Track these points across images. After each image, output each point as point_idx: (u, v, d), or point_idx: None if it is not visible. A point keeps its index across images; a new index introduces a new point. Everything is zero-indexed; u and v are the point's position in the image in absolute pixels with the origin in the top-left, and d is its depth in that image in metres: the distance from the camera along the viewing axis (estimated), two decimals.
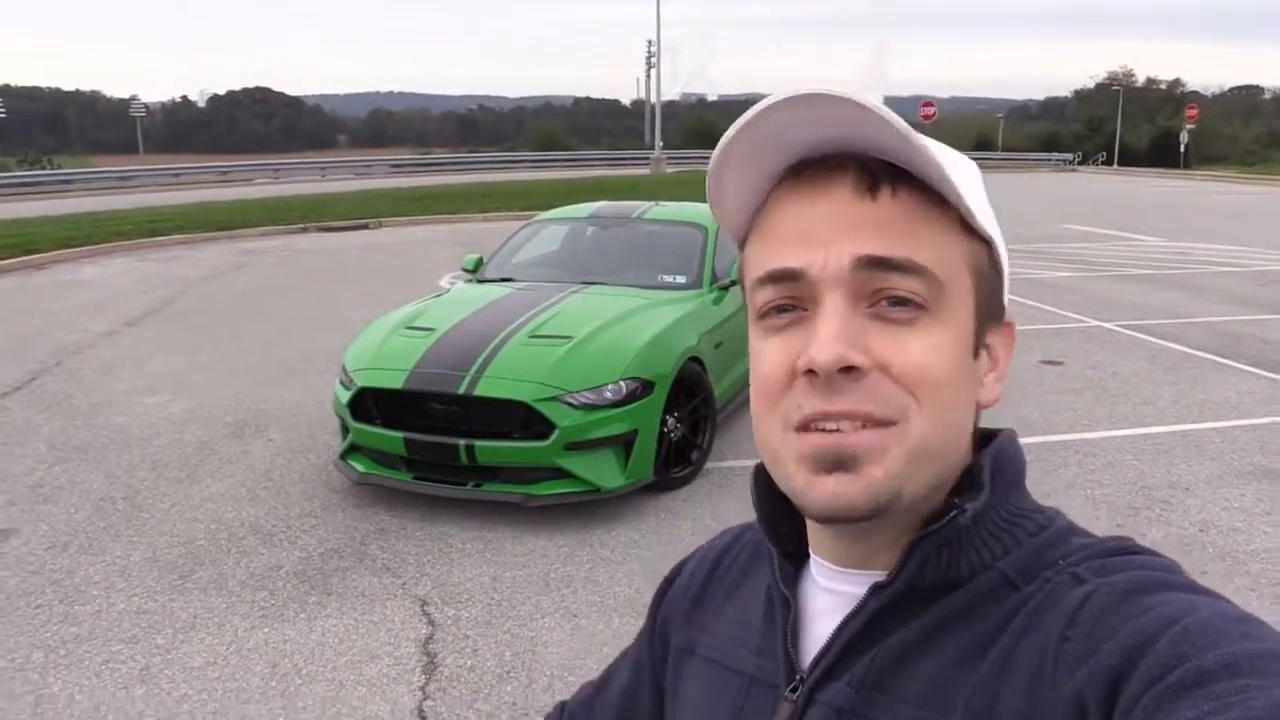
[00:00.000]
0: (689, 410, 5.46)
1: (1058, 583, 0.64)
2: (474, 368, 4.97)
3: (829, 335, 0.63)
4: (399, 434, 5.04)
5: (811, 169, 0.68)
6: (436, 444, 4.96)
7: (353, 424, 5.22)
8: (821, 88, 0.63)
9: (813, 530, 0.76)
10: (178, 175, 36.74)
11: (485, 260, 7.05)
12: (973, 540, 0.67)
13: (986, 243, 0.70)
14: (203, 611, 4.23)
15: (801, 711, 0.71)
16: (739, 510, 5.12)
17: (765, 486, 0.76)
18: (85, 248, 17.03)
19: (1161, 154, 55.94)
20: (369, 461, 5.30)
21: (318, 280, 13.61)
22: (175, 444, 6.46)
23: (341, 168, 42.94)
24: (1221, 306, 11.23)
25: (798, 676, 0.72)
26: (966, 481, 0.69)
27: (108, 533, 5.07)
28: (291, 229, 20.08)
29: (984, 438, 0.73)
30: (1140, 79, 78.79)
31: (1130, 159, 57.22)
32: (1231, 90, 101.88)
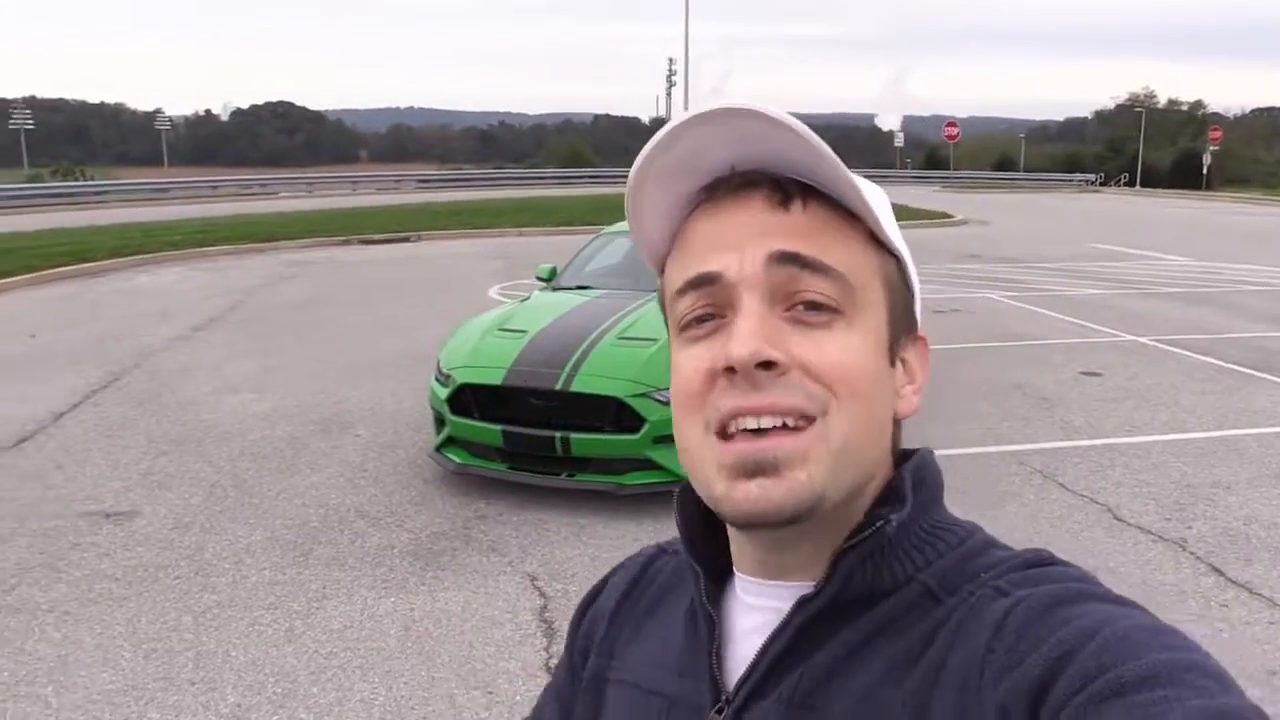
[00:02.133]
0: None
1: (981, 595, 0.65)
2: (569, 366, 5.38)
3: (747, 332, 0.64)
4: (497, 427, 5.45)
5: (724, 186, 0.70)
6: (533, 436, 5.37)
7: (451, 418, 5.63)
8: (728, 103, 0.65)
9: (735, 543, 0.76)
10: (215, 188, 37.43)
11: (560, 270, 7.48)
12: (895, 552, 0.69)
13: (896, 259, 0.72)
14: (330, 584, 4.63)
15: None
16: None
17: (688, 504, 0.77)
18: (137, 257, 17.58)
19: (1184, 176, 56.16)
20: (465, 453, 5.70)
21: (368, 290, 14.07)
22: (268, 439, 6.88)
23: (370, 182, 43.60)
24: (1252, 323, 11.55)
25: (724, 697, 0.72)
26: (889, 494, 0.71)
27: (225, 515, 5.49)
28: (333, 241, 20.60)
29: (903, 456, 0.74)
30: (1161, 100, 78.98)
31: (1152, 180, 57.46)
32: (1254, 112, 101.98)
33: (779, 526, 0.66)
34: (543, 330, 5.85)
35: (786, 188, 0.68)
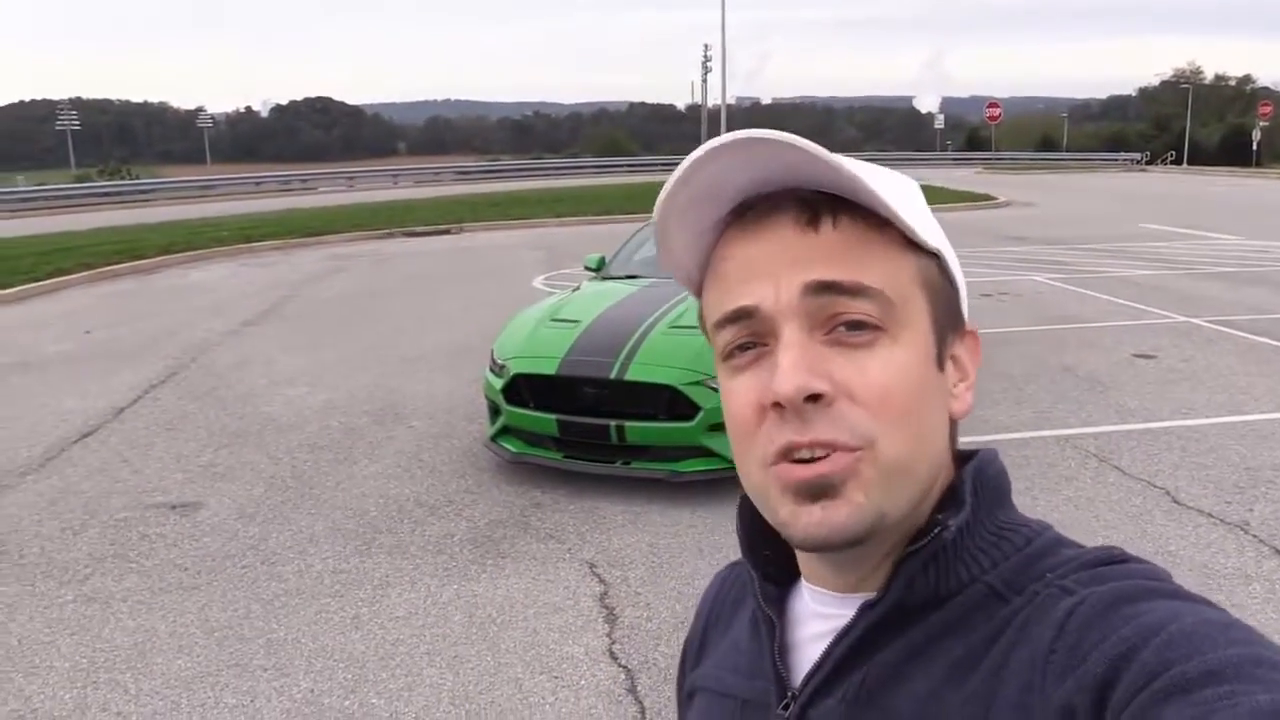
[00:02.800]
0: None
1: (1046, 594, 0.64)
2: (623, 355, 5.43)
3: (789, 365, 0.64)
4: (552, 416, 5.51)
5: (753, 210, 0.69)
6: (588, 425, 5.43)
7: (506, 408, 5.70)
8: (746, 134, 0.65)
9: (803, 558, 0.77)
10: (258, 184, 37.91)
11: (608, 260, 7.52)
12: (959, 555, 0.69)
13: (935, 256, 0.71)
14: (393, 572, 4.72)
15: None
16: None
17: (748, 512, 0.78)
18: (187, 253, 17.89)
19: (1233, 152, 55.04)
20: (520, 442, 5.77)
21: (414, 283, 14.21)
22: (325, 430, 7.00)
23: (410, 175, 43.93)
24: None
25: (789, 694, 0.73)
26: (949, 498, 0.71)
27: (286, 505, 5.60)
28: (377, 234, 20.82)
29: (964, 457, 0.74)
30: (1209, 76, 77.40)
31: (1200, 158, 56.37)
32: None
33: (843, 549, 0.67)
34: (595, 320, 5.90)
35: (814, 206, 0.67)
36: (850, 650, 0.70)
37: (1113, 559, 0.66)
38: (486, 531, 5.14)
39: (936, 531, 0.68)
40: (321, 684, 3.74)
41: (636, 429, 5.33)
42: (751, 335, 0.68)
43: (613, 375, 5.37)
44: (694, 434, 5.26)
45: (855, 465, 0.65)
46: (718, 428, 5.27)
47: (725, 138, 0.66)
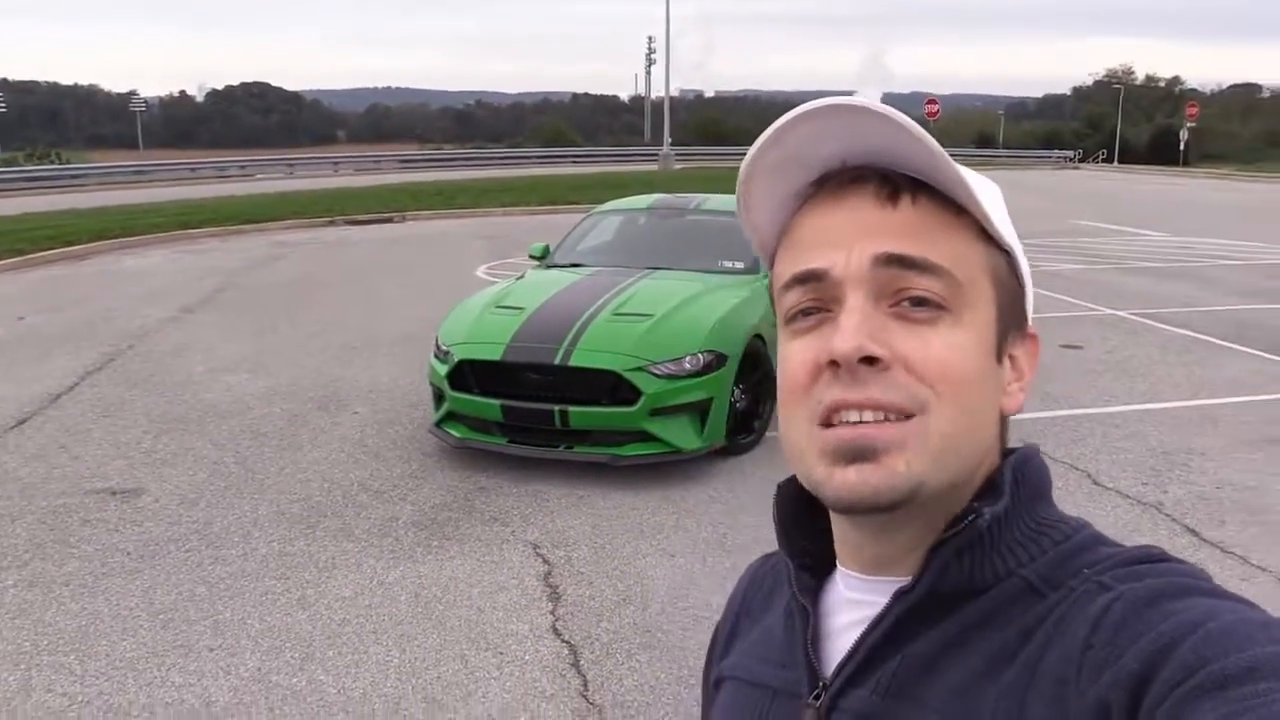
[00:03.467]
0: (753, 383, 6.01)
1: (1083, 590, 0.64)
2: (566, 341, 5.53)
3: (851, 327, 0.65)
4: (496, 402, 5.59)
5: (834, 181, 0.70)
6: (532, 410, 5.52)
7: (450, 393, 5.76)
8: (845, 100, 0.66)
9: (838, 534, 0.76)
10: (194, 170, 37.23)
11: (552, 249, 7.60)
12: (997, 547, 0.68)
13: (1006, 254, 0.72)
14: (338, 554, 4.77)
15: (825, 719, 0.72)
16: None
17: (787, 500, 0.78)
18: (120, 240, 17.54)
19: (1161, 151, 56.54)
20: (464, 428, 5.84)
21: (356, 271, 14.13)
22: (267, 417, 6.99)
23: (351, 163, 43.41)
24: (1226, 296, 11.79)
25: (821, 684, 0.73)
26: (987, 487, 0.70)
27: (230, 491, 5.61)
28: (318, 222, 20.60)
29: (1008, 453, 0.74)
30: (1140, 77, 79.43)
31: (1130, 156, 57.84)
32: (1230, 88, 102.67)
33: (877, 512, 0.67)
34: (539, 307, 5.99)
35: (896, 182, 0.69)
36: (883, 638, 0.70)
37: (1151, 557, 0.66)
38: (431, 515, 5.21)
39: (971, 519, 0.67)
40: (269, 662, 3.80)
41: (580, 414, 5.43)
42: (816, 300, 0.69)
43: (557, 361, 5.46)
44: (636, 419, 5.38)
45: (901, 435, 0.66)
46: (660, 412, 5.40)
47: (822, 102, 0.67)
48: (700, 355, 5.53)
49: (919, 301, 0.67)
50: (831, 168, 0.71)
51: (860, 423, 0.66)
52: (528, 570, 4.56)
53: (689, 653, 3.82)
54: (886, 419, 0.66)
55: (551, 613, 4.16)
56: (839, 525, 0.76)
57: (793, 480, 0.76)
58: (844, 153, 0.69)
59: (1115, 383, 7.68)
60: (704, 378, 5.51)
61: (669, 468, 5.64)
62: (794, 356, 0.70)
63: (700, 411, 5.54)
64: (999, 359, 0.71)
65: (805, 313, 0.70)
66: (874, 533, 0.72)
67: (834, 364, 0.66)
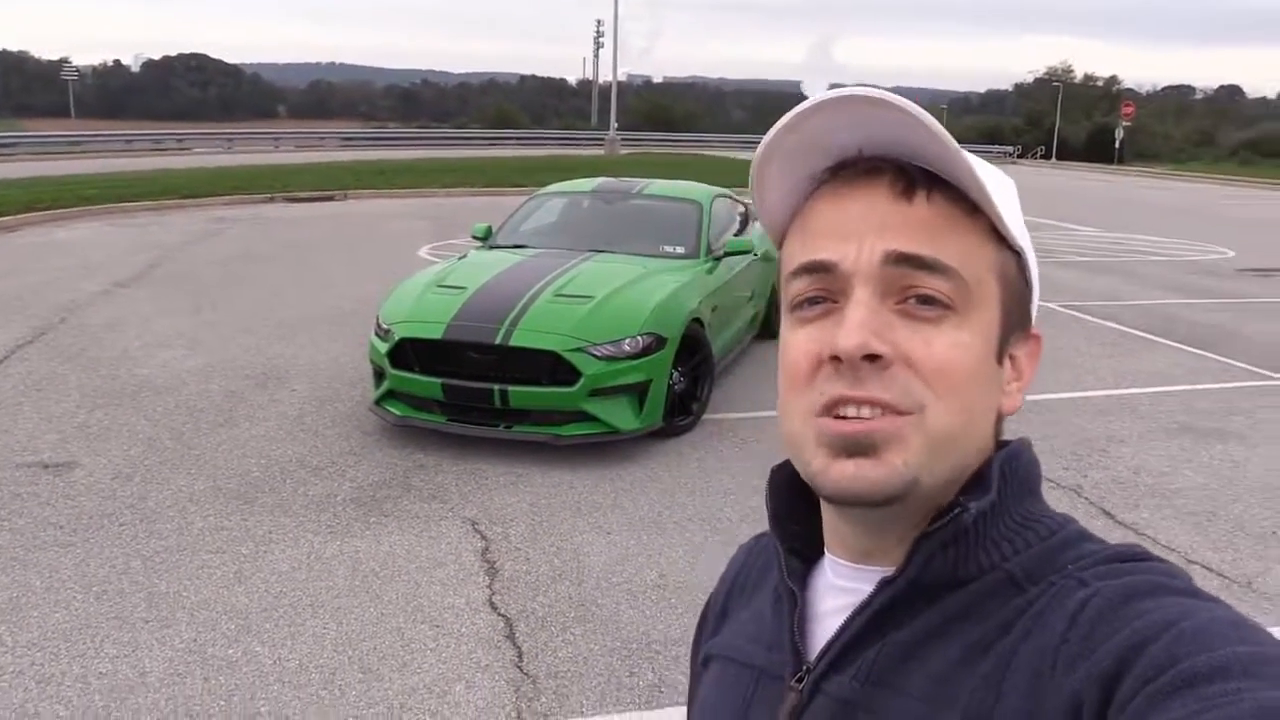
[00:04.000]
0: (691, 366, 6.11)
1: (1062, 586, 0.65)
2: (507, 321, 5.58)
3: (855, 323, 0.66)
4: (437, 380, 5.62)
5: (850, 170, 0.71)
6: (473, 389, 5.56)
7: (391, 371, 5.78)
8: (865, 91, 0.66)
9: (828, 523, 0.77)
10: (130, 142, 36.36)
11: (495, 230, 7.63)
12: (981, 541, 0.69)
13: (1017, 254, 0.72)
14: (275, 529, 4.78)
15: (806, 702, 0.73)
16: (736, 455, 5.81)
17: (780, 484, 0.79)
18: (51, 211, 17.11)
19: (1098, 149, 57.84)
20: (404, 406, 5.87)
21: (297, 249, 13.97)
22: (204, 393, 6.93)
23: (292, 139, 42.72)
24: (1154, 291, 12.19)
25: (804, 667, 0.74)
26: (974, 481, 0.71)
27: (166, 466, 5.57)
28: (258, 199, 20.28)
29: (999, 447, 0.74)
30: (1078, 75, 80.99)
31: (1067, 153, 59.09)
32: (1164, 89, 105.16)
33: (872, 507, 0.68)
34: (481, 287, 6.02)
35: (912, 176, 0.69)
36: (866, 626, 0.71)
37: (1134, 556, 0.66)
38: (370, 491, 5.24)
39: (956, 513, 0.68)
40: (205, 634, 3.81)
41: (520, 394, 5.49)
42: (823, 290, 0.69)
43: (497, 341, 5.51)
44: (576, 399, 5.46)
45: (900, 430, 0.66)
46: (599, 393, 5.48)
47: (842, 91, 0.67)
48: (640, 338, 5.62)
49: (925, 300, 0.67)
50: (849, 155, 0.71)
51: (859, 418, 0.67)
52: (465, 546, 4.61)
53: (622, 626, 3.92)
54: (885, 414, 0.67)
55: (488, 587, 4.23)
56: (829, 515, 0.77)
57: (786, 465, 0.78)
58: (862, 142, 0.70)
59: (1041, 372, 7.87)
60: (643, 360, 5.60)
61: (607, 448, 5.72)
62: (797, 346, 0.70)
63: (639, 393, 5.63)
64: (1000, 360, 0.72)
65: (811, 301, 0.70)
66: (864, 525, 0.73)
67: (836, 359, 0.67)
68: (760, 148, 0.72)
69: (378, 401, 6.01)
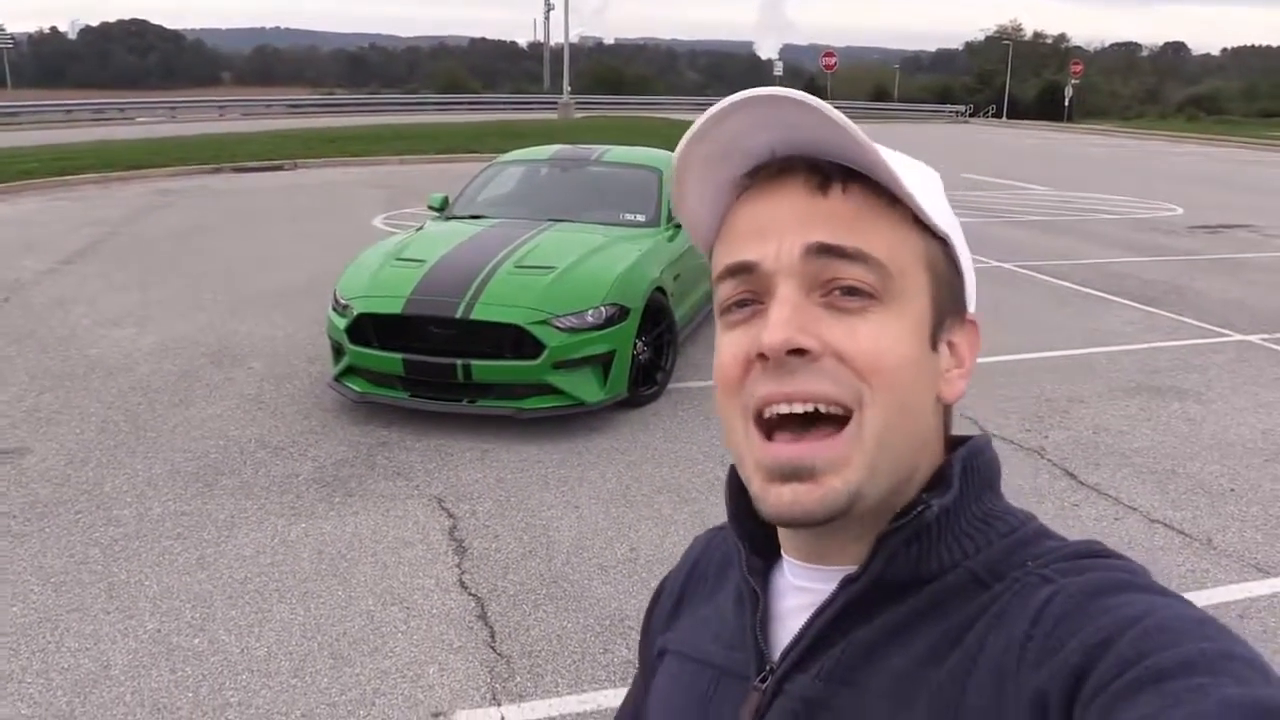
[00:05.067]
0: (654, 336, 6.07)
1: (1026, 583, 0.65)
2: (469, 294, 5.49)
3: (779, 320, 0.66)
4: (398, 356, 5.53)
5: (765, 171, 0.71)
6: (434, 364, 5.48)
7: (350, 347, 5.68)
8: (766, 91, 0.66)
9: (781, 529, 0.77)
10: (69, 112, 35.35)
11: (452, 199, 7.50)
12: (943, 537, 0.69)
13: (944, 241, 0.72)
14: (238, 512, 4.69)
15: (769, 701, 0.72)
16: (701, 423, 5.79)
17: (736, 486, 0.78)
18: None
19: (1047, 107, 58.29)
20: (365, 382, 5.77)
21: (246, 221, 13.69)
22: (158, 373, 6.78)
23: (238, 107, 41.78)
24: (1105, 249, 12.32)
25: (768, 667, 0.74)
26: (936, 479, 0.71)
27: (121, 449, 5.45)
28: (204, 169, 19.83)
29: (957, 442, 0.75)
30: (1028, 33, 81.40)
31: (1018, 112, 59.46)
32: (1112, 46, 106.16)
33: (814, 526, 0.68)
34: (441, 259, 5.93)
35: (826, 171, 0.69)
36: (828, 625, 0.71)
37: (1094, 552, 0.67)
38: (333, 471, 5.16)
39: (920, 510, 0.68)
40: (169, 623, 3.74)
41: (483, 367, 5.42)
42: (749, 292, 0.69)
43: (459, 314, 5.43)
44: (539, 372, 5.40)
45: (837, 452, 0.66)
46: (563, 365, 5.43)
47: (749, 92, 0.66)
48: (603, 308, 5.56)
49: (850, 291, 0.67)
50: (763, 159, 0.71)
51: (794, 419, 0.67)
52: (432, 525, 4.56)
53: (594, 602, 3.90)
54: (818, 412, 0.66)
55: (458, 566, 4.19)
56: None
57: None
58: (774, 143, 0.70)
59: (1000, 333, 7.98)
60: (606, 330, 5.55)
61: (572, 420, 5.68)
62: (726, 350, 0.70)
63: (603, 364, 5.59)
64: (934, 346, 0.71)
65: (739, 304, 0.70)
66: (815, 533, 0.73)
67: (763, 357, 0.66)
68: (674, 159, 0.72)
69: (337, 378, 5.91)
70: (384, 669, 3.46)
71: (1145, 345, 7.74)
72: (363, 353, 5.66)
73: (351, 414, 5.92)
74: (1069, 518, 4.65)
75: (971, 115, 58.16)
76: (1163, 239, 13.38)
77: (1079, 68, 58.20)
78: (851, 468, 0.66)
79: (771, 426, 0.68)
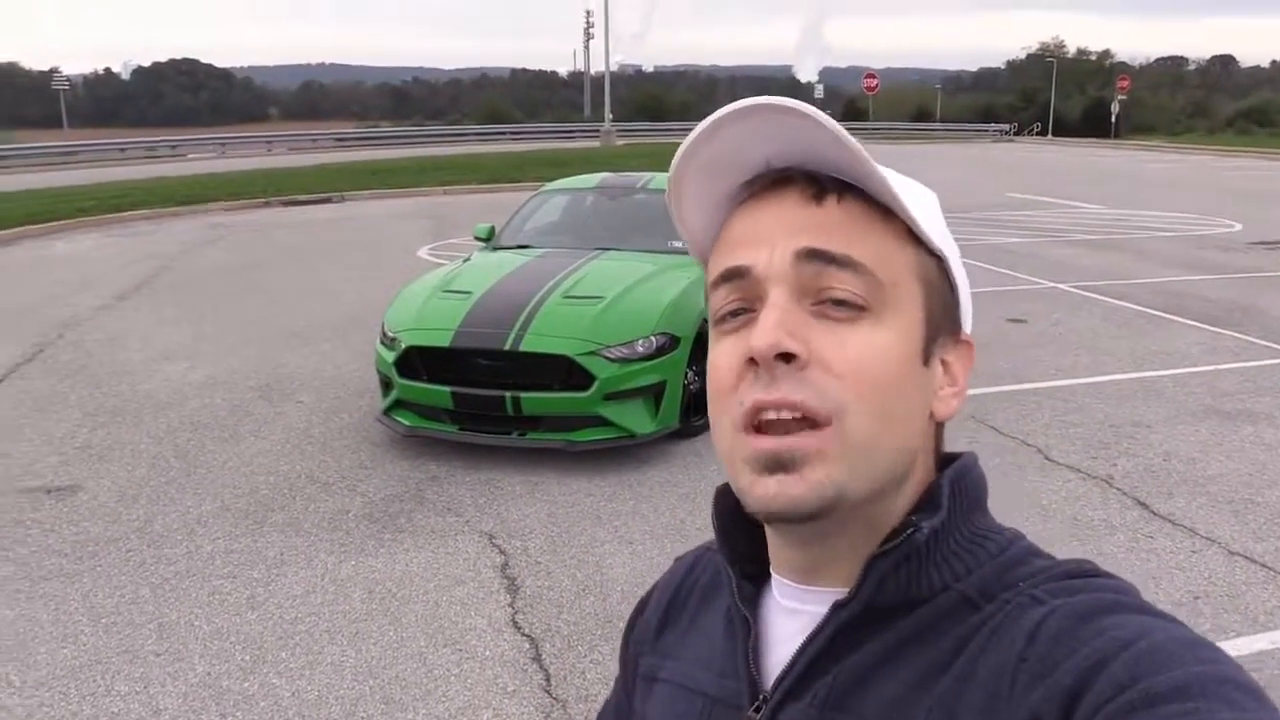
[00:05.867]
0: (705, 365, 5.95)
1: (1017, 604, 0.65)
2: (517, 326, 5.43)
3: (768, 324, 0.65)
4: (446, 389, 5.48)
5: (760, 182, 0.71)
6: (483, 397, 5.42)
7: (399, 381, 5.64)
8: (766, 100, 0.66)
9: (772, 544, 0.77)
10: (123, 150, 36.16)
11: (498, 229, 7.47)
12: (933, 559, 0.69)
13: (939, 259, 0.72)
14: (287, 550, 4.64)
15: None
16: None
17: (725, 507, 0.78)
18: (50, 224, 16.98)
19: (1094, 124, 57.51)
20: (414, 415, 5.72)
21: (296, 254, 13.82)
22: (207, 407, 6.79)
23: (285, 141, 42.47)
24: (1162, 268, 12.01)
25: (761, 696, 0.73)
26: (925, 499, 0.71)
27: (172, 486, 5.44)
28: (255, 203, 20.13)
29: (946, 460, 0.74)
30: (1071, 50, 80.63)
31: (1063, 129, 58.76)
32: (1157, 61, 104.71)
33: (800, 522, 0.68)
34: (488, 291, 5.88)
35: (821, 182, 0.69)
36: (821, 652, 0.70)
37: (1084, 573, 0.67)
38: (383, 507, 5.10)
39: (910, 533, 0.68)
40: (219, 666, 3.68)
41: (532, 400, 5.35)
42: (742, 299, 0.69)
43: (507, 346, 5.36)
44: (590, 404, 5.31)
45: (821, 445, 0.65)
46: (613, 397, 5.34)
47: (744, 102, 0.67)
48: (653, 338, 5.47)
49: (840, 302, 0.67)
50: (760, 169, 0.71)
51: (782, 424, 0.66)
52: (484, 561, 4.47)
53: None
54: (804, 420, 0.65)
55: (510, 605, 4.09)
56: (771, 535, 0.76)
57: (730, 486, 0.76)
58: (770, 154, 0.70)
59: (1060, 356, 7.77)
60: (657, 360, 5.45)
61: (624, 452, 5.58)
62: (719, 358, 0.70)
63: (654, 395, 5.49)
64: (926, 362, 0.70)
65: (734, 314, 0.70)
66: (802, 541, 0.72)
67: (753, 362, 0.66)
68: (671, 169, 0.72)
69: (386, 411, 5.87)
70: (437, 714, 3.37)
71: (1211, 367, 7.48)
72: (411, 386, 5.61)
73: (401, 448, 5.87)
74: (1143, 550, 4.46)
75: (1016, 133, 57.55)
76: (1222, 256, 13.03)
77: (1126, 83, 57.41)
78: (833, 461, 0.66)
79: (760, 429, 0.67)
